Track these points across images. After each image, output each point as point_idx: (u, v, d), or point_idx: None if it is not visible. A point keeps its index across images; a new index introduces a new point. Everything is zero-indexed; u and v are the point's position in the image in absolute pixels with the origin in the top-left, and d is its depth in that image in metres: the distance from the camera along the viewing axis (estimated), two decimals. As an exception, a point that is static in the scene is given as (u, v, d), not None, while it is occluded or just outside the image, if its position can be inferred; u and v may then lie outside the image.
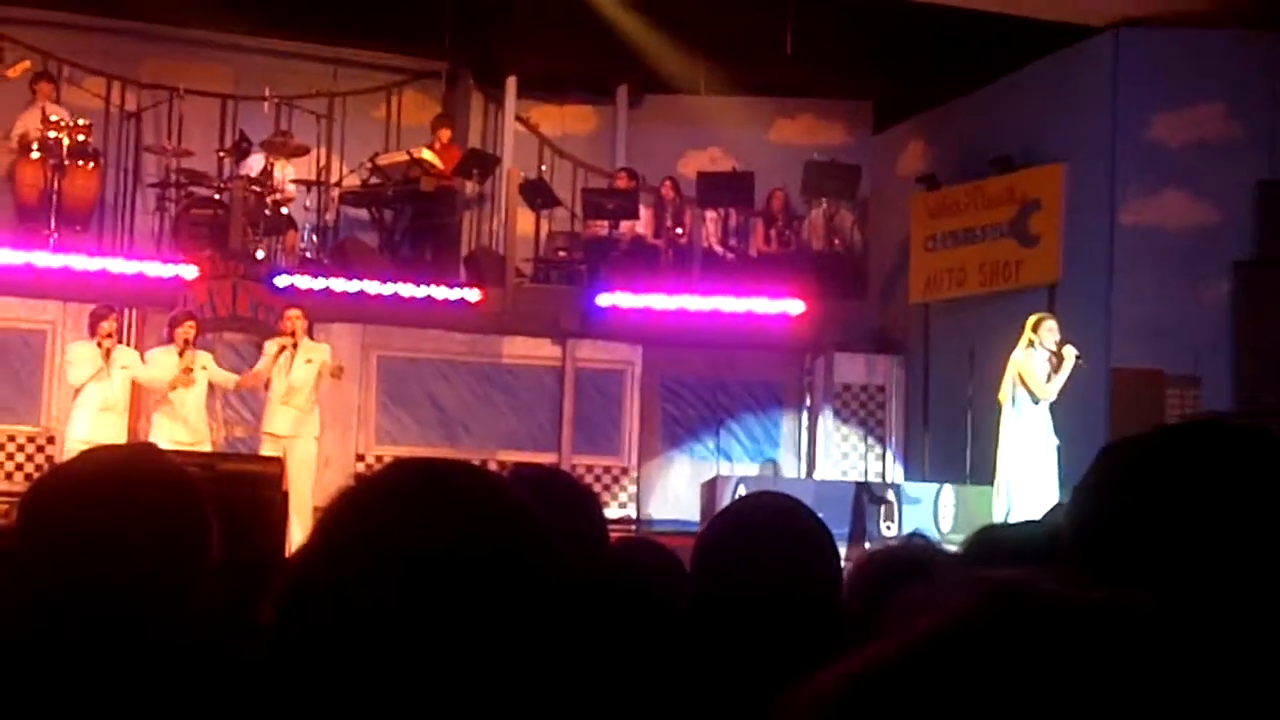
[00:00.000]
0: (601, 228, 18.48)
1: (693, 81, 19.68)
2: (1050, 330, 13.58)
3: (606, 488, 17.68)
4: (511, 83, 19.41)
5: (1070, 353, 13.46)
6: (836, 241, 19.08)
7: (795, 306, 17.60)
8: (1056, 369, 13.55)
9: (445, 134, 18.66)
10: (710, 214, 18.93)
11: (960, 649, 0.91)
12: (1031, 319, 13.73)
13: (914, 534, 3.87)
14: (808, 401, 18.67)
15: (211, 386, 14.88)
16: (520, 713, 1.48)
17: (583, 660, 1.60)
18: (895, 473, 18.52)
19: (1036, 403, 13.45)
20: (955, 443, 16.68)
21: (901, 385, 18.90)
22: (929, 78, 18.46)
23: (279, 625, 1.51)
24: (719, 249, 18.90)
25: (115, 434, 14.03)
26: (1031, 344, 13.57)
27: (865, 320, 19.11)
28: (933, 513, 14.91)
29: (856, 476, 18.16)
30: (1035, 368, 13.52)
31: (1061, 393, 13.57)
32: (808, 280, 17.96)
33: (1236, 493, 1.67)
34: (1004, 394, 13.75)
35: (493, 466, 16.03)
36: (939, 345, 17.94)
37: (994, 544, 2.86)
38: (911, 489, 16.01)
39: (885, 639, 0.96)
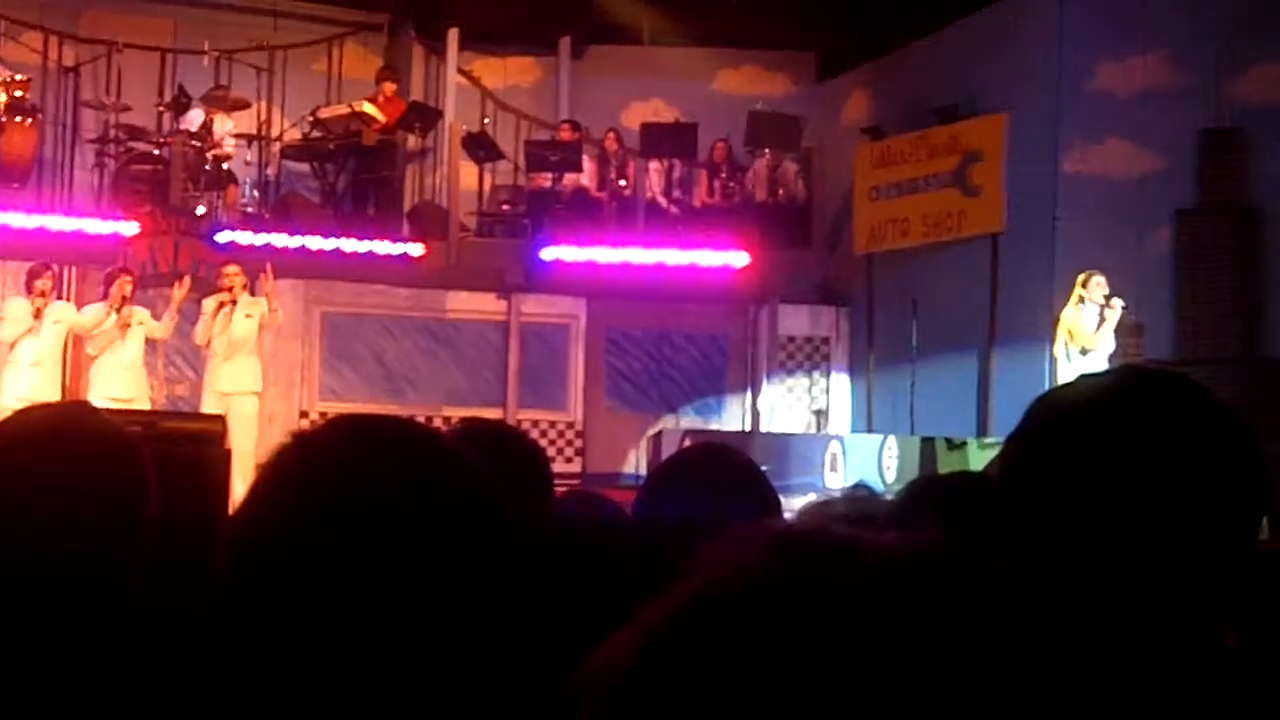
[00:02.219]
0: (545, 180, 18.42)
1: (636, 32, 19.61)
2: (1099, 285, 13.86)
3: (552, 442, 17.66)
4: (453, 35, 19.28)
5: (1117, 304, 13.72)
6: (780, 192, 19.07)
7: (739, 258, 17.60)
8: (1103, 322, 13.80)
9: (390, 87, 18.50)
10: (654, 165, 18.88)
11: (738, 606, 0.89)
12: (1081, 276, 13.98)
13: (858, 485, 3.88)
14: (752, 353, 18.69)
15: (152, 344, 14.80)
16: (465, 668, 1.48)
17: (528, 614, 1.59)
18: (840, 424, 18.58)
19: (1085, 354, 13.65)
20: (900, 393, 16.75)
21: (846, 336, 18.95)
22: (873, 27, 18.46)
23: (220, 583, 1.51)
24: (663, 201, 18.87)
25: (49, 389, 13.96)
26: (1081, 300, 13.82)
27: (809, 271, 19.12)
28: (877, 463, 14.95)
29: (802, 428, 18.22)
30: (1084, 321, 13.80)
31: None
32: (752, 232, 17.96)
33: (1156, 444, 1.68)
34: (1058, 349, 13.99)
35: (438, 422, 15.99)
36: (883, 296, 17.98)
37: (930, 493, 2.87)
38: (856, 440, 16.07)
39: (666, 597, 0.94)
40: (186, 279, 15.06)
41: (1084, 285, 13.86)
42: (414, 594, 1.45)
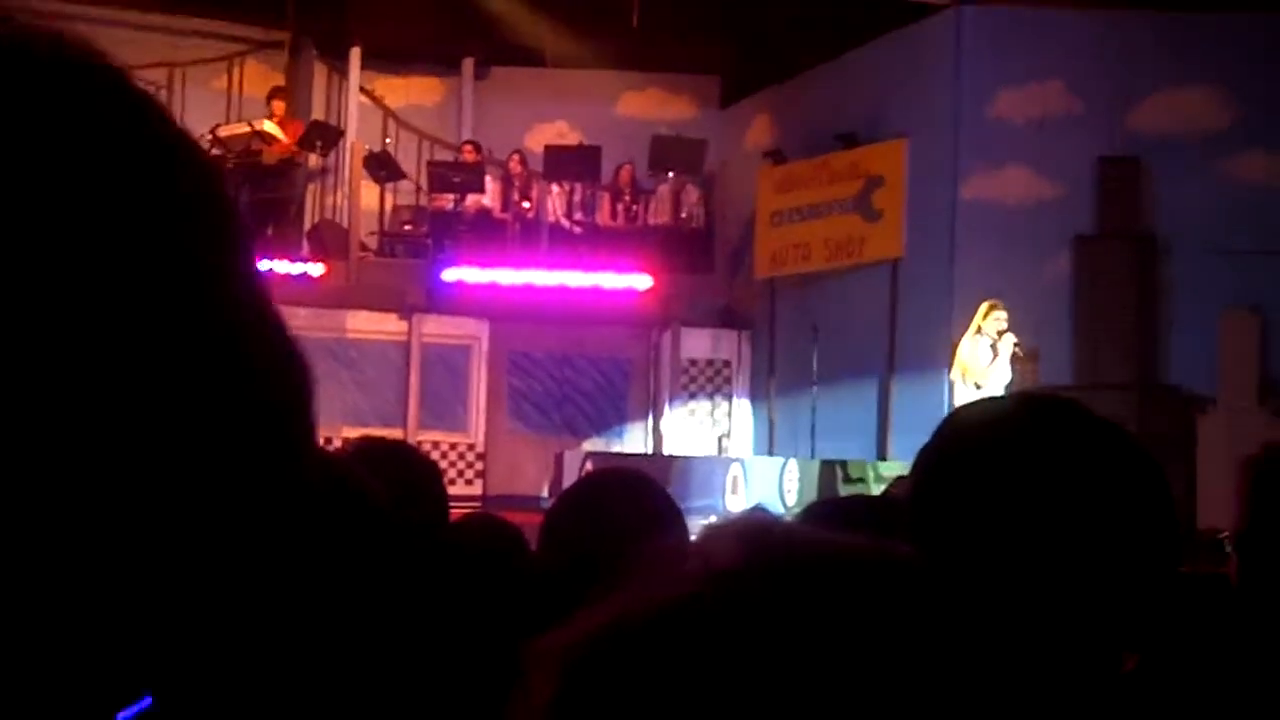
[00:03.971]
0: (447, 201, 18.36)
1: (539, 54, 19.60)
2: (997, 320, 13.63)
3: (453, 464, 17.58)
4: (355, 54, 19.20)
5: (1009, 340, 13.54)
6: (683, 216, 19.12)
7: (642, 281, 17.62)
8: (996, 356, 13.67)
9: (280, 105, 18.32)
10: (556, 188, 18.87)
11: (713, 600, 0.86)
12: (983, 306, 13.77)
13: (756, 508, 3.84)
14: (654, 376, 18.70)
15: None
16: (354, 689, 1.45)
17: (418, 633, 1.56)
18: (742, 447, 18.62)
19: (979, 389, 13.53)
20: (800, 417, 16.81)
21: (747, 360, 19.01)
22: (776, 53, 18.54)
23: None
24: (566, 223, 18.85)
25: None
26: (979, 330, 13.67)
27: (712, 295, 19.17)
28: (778, 486, 14.99)
29: (703, 450, 18.24)
30: (977, 356, 13.63)
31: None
32: (654, 255, 17.99)
33: (1056, 470, 1.68)
34: (954, 376, 13.87)
35: (337, 443, 15.86)
36: (784, 320, 18.05)
37: (828, 514, 2.86)
38: (757, 462, 16.10)
39: (634, 587, 0.91)
40: None
41: (984, 317, 13.83)
42: (304, 615, 1.43)
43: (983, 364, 13.63)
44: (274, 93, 18.59)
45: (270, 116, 18.13)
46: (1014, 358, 13.57)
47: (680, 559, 0.91)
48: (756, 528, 0.92)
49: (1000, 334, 13.59)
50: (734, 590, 0.86)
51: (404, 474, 3.07)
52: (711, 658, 0.83)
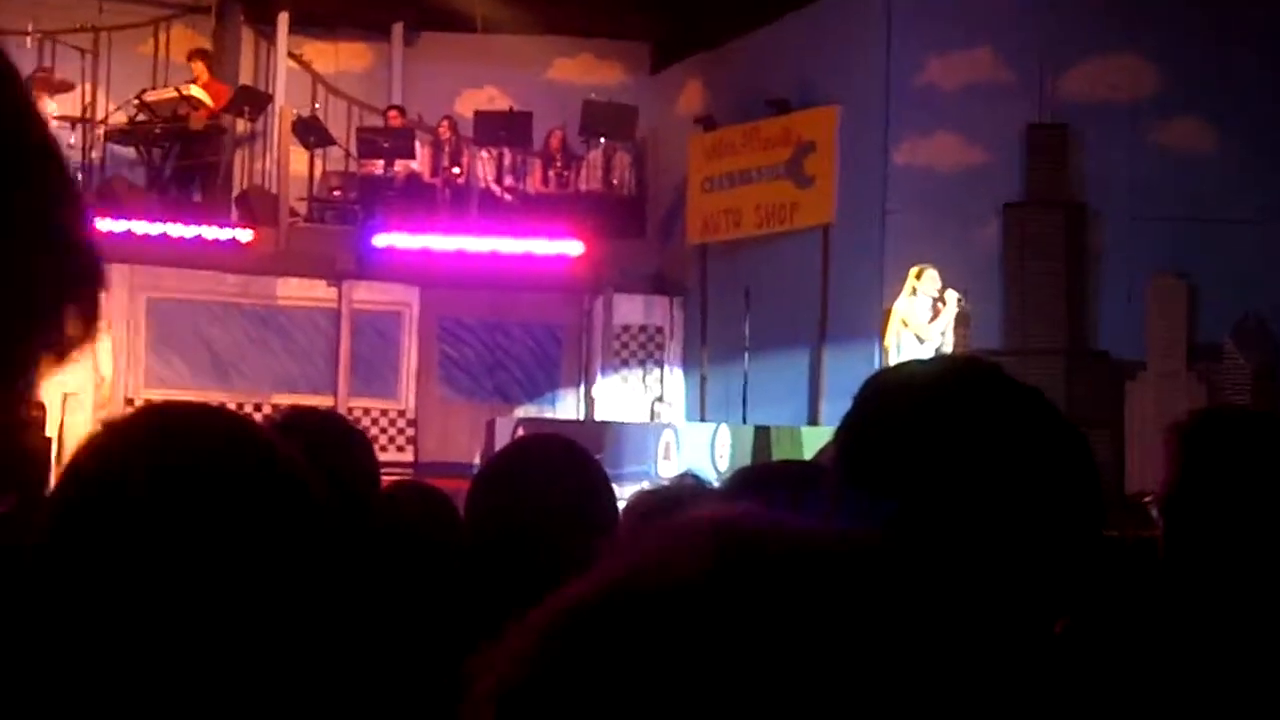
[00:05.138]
0: (377, 167, 18.26)
1: (470, 19, 19.49)
2: (932, 278, 13.83)
3: (384, 430, 17.53)
4: (283, 18, 19.03)
5: (953, 295, 13.73)
6: (614, 182, 19.09)
7: (574, 247, 17.59)
8: (937, 314, 13.81)
9: (200, 67, 18.02)
10: (486, 153, 18.79)
11: (681, 593, 0.85)
12: (914, 269, 13.92)
13: (685, 474, 3.86)
14: (587, 342, 18.69)
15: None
16: (275, 660, 1.45)
17: (342, 604, 1.56)
18: (674, 413, 18.65)
19: (921, 343, 13.67)
20: (733, 383, 16.84)
21: (680, 326, 19.03)
22: (707, 18, 18.52)
23: (34, 567, 1.52)
24: (497, 189, 18.79)
25: None
26: (915, 291, 13.81)
27: (644, 261, 19.16)
28: (710, 452, 15.03)
29: (636, 417, 18.25)
30: (917, 313, 13.77)
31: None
32: (586, 221, 17.96)
33: (973, 433, 1.68)
34: (889, 341, 13.96)
35: (267, 409, 15.78)
36: (716, 286, 18.08)
37: (758, 479, 2.86)
38: (689, 429, 16.13)
39: (599, 572, 0.89)
40: None
41: (917, 278, 13.97)
42: (220, 587, 1.43)
43: (923, 319, 13.78)
44: (194, 54, 18.31)
45: (194, 80, 17.92)
46: (959, 315, 13.71)
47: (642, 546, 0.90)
48: (728, 525, 0.91)
49: (940, 290, 13.75)
50: (713, 585, 0.85)
51: (334, 445, 3.04)
52: (702, 642, 0.82)
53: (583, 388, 18.67)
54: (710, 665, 0.81)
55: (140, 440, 1.55)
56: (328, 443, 2.89)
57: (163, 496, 1.48)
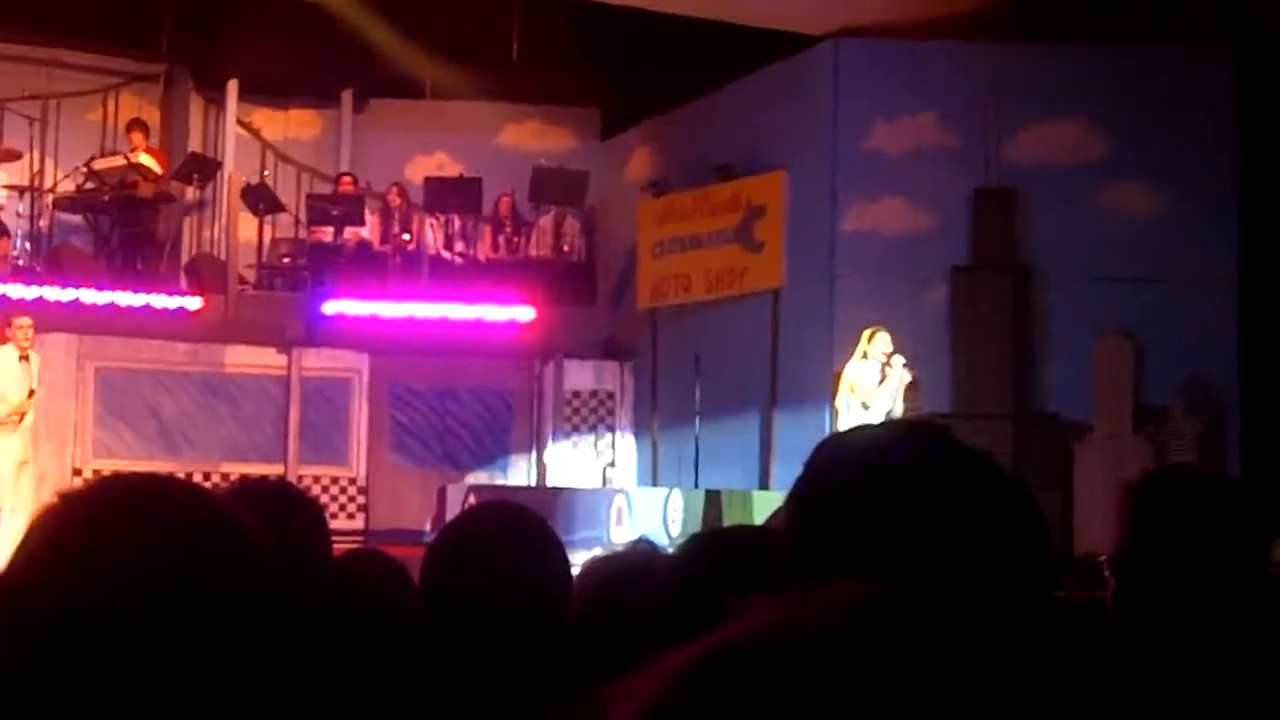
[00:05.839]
0: (326, 234, 18.24)
1: (419, 86, 19.55)
2: (882, 342, 13.81)
3: (334, 498, 17.43)
4: (232, 85, 19.05)
5: (898, 362, 13.71)
6: (565, 248, 19.13)
7: (524, 313, 17.60)
8: (884, 379, 13.80)
9: (139, 137, 17.98)
10: (436, 219, 18.80)
11: (825, 644, 0.91)
12: (866, 331, 13.92)
13: (639, 540, 3.87)
14: (537, 408, 18.66)
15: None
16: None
17: (298, 676, 1.55)
18: (625, 478, 18.62)
19: (866, 409, 13.64)
20: (684, 447, 16.84)
21: (630, 391, 19.03)
22: (655, 84, 18.62)
23: None
24: (447, 255, 18.79)
25: None
26: (865, 355, 13.81)
27: (594, 327, 19.17)
28: (662, 517, 15.01)
29: (587, 482, 18.22)
30: (865, 377, 13.77)
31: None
32: (536, 287, 17.97)
33: (921, 497, 1.69)
34: (839, 402, 13.96)
35: (216, 479, 15.70)
36: (667, 351, 18.09)
37: (711, 545, 2.87)
38: (641, 493, 16.11)
39: (741, 624, 0.95)
40: None
41: (869, 340, 14.01)
42: (177, 661, 1.42)
43: (870, 384, 13.79)
44: (132, 124, 18.28)
45: (132, 149, 17.85)
46: (906, 382, 13.73)
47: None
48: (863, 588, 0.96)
49: (889, 355, 13.77)
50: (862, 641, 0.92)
51: (287, 516, 3.04)
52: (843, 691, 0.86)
53: (534, 454, 18.62)
54: (852, 709, 0.87)
55: (100, 512, 1.52)
56: (278, 512, 2.88)
57: (124, 572, 1.45)
